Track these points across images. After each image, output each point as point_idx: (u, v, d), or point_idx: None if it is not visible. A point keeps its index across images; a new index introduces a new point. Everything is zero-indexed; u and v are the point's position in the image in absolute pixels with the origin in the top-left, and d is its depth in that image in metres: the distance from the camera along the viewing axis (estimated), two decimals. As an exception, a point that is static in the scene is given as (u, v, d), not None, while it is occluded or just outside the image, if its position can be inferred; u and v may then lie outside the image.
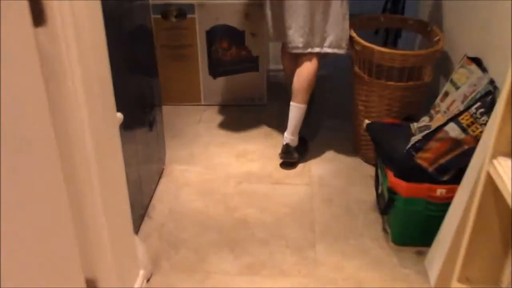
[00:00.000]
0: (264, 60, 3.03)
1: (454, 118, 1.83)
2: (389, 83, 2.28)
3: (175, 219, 2.20)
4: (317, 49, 2.34)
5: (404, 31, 2.91)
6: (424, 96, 2.37)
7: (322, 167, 2.55)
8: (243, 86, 3.10)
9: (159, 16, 2.91)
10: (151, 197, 2.32)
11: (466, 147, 1.82)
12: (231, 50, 3.01)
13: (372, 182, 2.37)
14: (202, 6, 2.90)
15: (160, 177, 2.46)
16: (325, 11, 2.26)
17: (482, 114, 1.77)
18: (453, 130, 1.83)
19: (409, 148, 1.92)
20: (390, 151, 2.00)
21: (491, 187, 0.93)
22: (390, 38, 3.21)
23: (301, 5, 2.22)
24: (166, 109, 3.03)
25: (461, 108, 1.93)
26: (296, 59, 2.45)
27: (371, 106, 2.39)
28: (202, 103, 3.14)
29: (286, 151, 2.51)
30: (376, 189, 2.25)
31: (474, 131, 1.79)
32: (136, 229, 2.10)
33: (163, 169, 2.52)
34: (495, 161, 0.91)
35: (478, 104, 1.78)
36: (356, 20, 2.50)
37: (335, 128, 2.89)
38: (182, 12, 2.91)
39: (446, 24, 2.45)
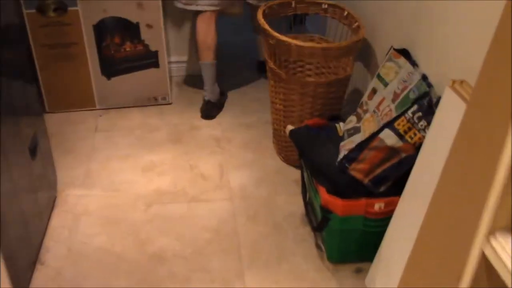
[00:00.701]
0: (164, 55, 2.66)
1: (389, 124, 1.62)
2: (310, 79, 2.03)
3: (75, 263, 1.83)
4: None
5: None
6: (346, 91, 2.16)
7: (242, 175, 2.28)
8: (143, 85, 2.73)
9: (34, 10, 2.45)
10: (43, 237, 1.93)
11: (403, 155, 1.62)
12: (125, 46, 2.62)
13: (298, 189, 2.14)
14: (86, -4, 2.47)
15: (52, 209, 2.06)
16: None
17: (419, 118, 1.57)
18: (389, 137, 1.62)
19: (342, 159, 1.70)
20: (320, 163, 1.76)
21: (486, 269, 0.71)
22: (297, 20, 2.96)
23: None
24: (54, 118, 2.62)
25: (392, 107, 1.72)
26: (207, 19, 2.53)
27: (291, 105, 2.14)
28: (97, 107, 2.73)
29: (207, 108, 2.69)
30: (304, 197, 2.01)
31: (412, 138, 1.59)
32: (26, 283, 1.72)
33: (55, 197, 2.12)
34: (492, 239, 0.68)
35: (415, 107, 1.57)
36: (265, 8, 2.21)
37: (252, 125, 2.62)
38: (62, 5, 2.46)
39: (364, 9, 2.23)
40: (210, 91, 2.68)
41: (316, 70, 2.10)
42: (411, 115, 1.58)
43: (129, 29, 2.57)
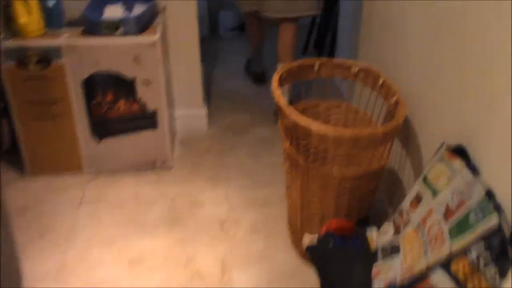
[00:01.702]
0: (164, 114, 2.27)
1: (444, 265, 1.18)
2: (334, 171, 1.61)
3: None
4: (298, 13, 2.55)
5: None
6: (379, 184, 1.73)
7: (249, 275, 1.86)
8: (139, 148, 2.34)
9: (14, 63, 2.09)
10: None
11: (461, 304, 1.19)
12: (119, 104, 2.24)
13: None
14: (73, 49, 2.10)
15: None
16: None
17: (487, 262, 1.13)
18: (443, 281, 1.18)
19: (376, 301, 1.27)
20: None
21: None
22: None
23: None
24: (34, 184, 2.26)
25: (445, 229, 1.29)
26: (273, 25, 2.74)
27: (310, 196, 1.72)
28: (86, 171, 2.36)
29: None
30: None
31: (474, 286, 1.16)
32: None
33: (18, 301, 1.73)
34: None
35: (481, 246, 1.14)
36: (283, 72, 1.81)
37: (264, 202, 2.21)
38: (45, 57, 2.10)
39: (406, 78, 1.81)
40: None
41: (342, 159, 1.69)
42: (475, 257, 1.14)
43: (124, 86, 2.19)
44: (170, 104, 2.45)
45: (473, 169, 1.31)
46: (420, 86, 1.68)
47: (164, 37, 2.29)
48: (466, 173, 1.31)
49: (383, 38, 2.05)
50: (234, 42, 3.91)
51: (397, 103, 1.68)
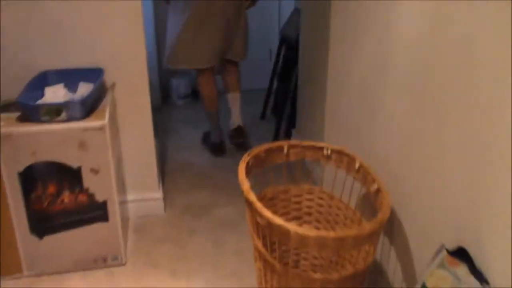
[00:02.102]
0: (115, 205, 2.03)
1: None
2: (315, 276, 1.41)
3: None
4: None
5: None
6: (364, 282, 1.54)
7: None
8: (87, 244, 2.07)
9: None
10: None
11: None
12: (63, 196, 1.98)
13: None
14: (8, 138, 1.85)
15: None
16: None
17: None
18: None
19: None
20: None
21: None
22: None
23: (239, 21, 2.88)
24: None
25: None
26: (222, 69, 3.07)
27: (288, 304, 1.50)
28: (26, 274, 2.05)
29: (239, 133, 3.10)
30: None
31: None
32: None
33: None
34: None
35: None
36: (249, 159, 1.63)
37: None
38: (-26, 149, 1.83)
39: (384, 159, 1.65)
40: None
41: (325, 261, 1.49)
42: None
43: (68, 176, 1.94)
44: (121, 189, 2.21)
45: (480, 277, 1.14)
46: (403, 169, 1.53)
47: (113, 118, 2.08)
48: (472, 281, 1.14)
49: (355, 110, 1.91)
50: (188, 110, 3.73)
51: (378, 191, 1.51)
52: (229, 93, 3.09)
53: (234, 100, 3.08)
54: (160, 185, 2.48)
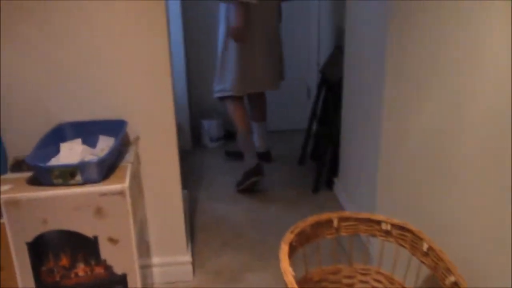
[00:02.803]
0: (136, 278, 1.77)
1: None
2: None
3: None
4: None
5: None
6: None
7: None
8: (105, 322, 1.81)
9: None
10: None
11: None
12: (78, 269, 1.73)
13: None
14: (16, 205, 1.62)
15: None
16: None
17: None
18: None
19: None
20: None
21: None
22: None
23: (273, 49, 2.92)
24: None
25: None
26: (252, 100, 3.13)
27: None
28: None
29: (268, 156, 3.26)
30: None
31: None
32: None
33: None
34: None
35: None
36: (293, 238, 1.34)
37: None
38: (-22, 217, 1.61)
39: (452, 235, 1.35)
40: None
41: None
42: None
43: (83, 246, 1.70)
44: (146, 255, 1.96)
45: None
46: (485, 253, 1.22)
47: (136, 177, 1.84)
48: None
49: (418, 170, 1.60)
50: (220, 154, 3.48)
51: (455, 285, 1.20)
52: (257, 122, 3.15)
53: (262, 128, 3.16)
54: (189, 245, 2.22)
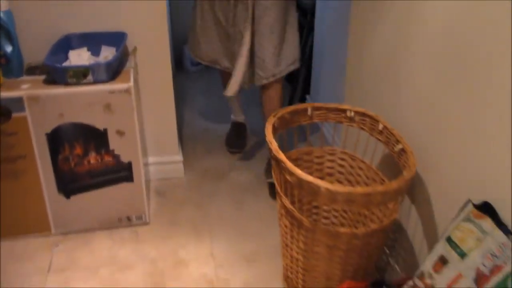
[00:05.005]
0: (140, 166, 2.08)
1: None
2: (342, 230, 1.46)
3: None
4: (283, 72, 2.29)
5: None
6: (387, 239, 1.60)
7: None
8: (112, 204, 2.13)
9: (-32, 117, 1.86)
10: None
11: None
12: (90, 157, 2.03)
13: None
14: (36, 100, 1.89)
15: None
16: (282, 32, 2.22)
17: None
18: None
19: None
20: None
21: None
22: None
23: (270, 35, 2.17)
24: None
25: (479, 296, 1.16)
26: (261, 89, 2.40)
27: (314, 259, 1.56)
28: (54, 232, 2.12)
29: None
30: None
31: None
32: None
33: None
34: None
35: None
36: (275, 120, 1.67)
37: (254, 258, 2.03)
38: (5, 110, 1.88)
39: (407, 122, 1.69)
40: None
41: (351, 217, 1.55)
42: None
43: (94, 137, 1.99)
44: (144, 152, 2.26)
45: (506, 230, 1.19)
46: (425, 132, 1.57)
47: (136, 82, 2.11)
48: (497, 233, 1.19)
49: (378, 78, 1.93)
50: (201, 77, 3.75)
51: (402, 151, 1.56)
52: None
53: None
54: (180, 147, 2.53)
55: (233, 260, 2.01)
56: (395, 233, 1.81)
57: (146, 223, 2.19)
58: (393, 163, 1.63)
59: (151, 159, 2.43)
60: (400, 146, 1.57)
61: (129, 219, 2.17)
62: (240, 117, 2.84)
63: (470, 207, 1.27)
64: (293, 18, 2.26)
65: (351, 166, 1.84)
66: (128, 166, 2.07)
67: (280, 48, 2.22)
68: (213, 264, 1.99)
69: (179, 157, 2.49)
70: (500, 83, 1.19)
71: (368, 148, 1.77)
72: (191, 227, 2.19)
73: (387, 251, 1.85)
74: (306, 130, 1.83)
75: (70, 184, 2.05)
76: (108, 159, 2.04)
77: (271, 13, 2.13)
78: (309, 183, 1.38)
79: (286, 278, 1.81)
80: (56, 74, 1.92)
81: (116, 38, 2.12)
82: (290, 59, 2.28)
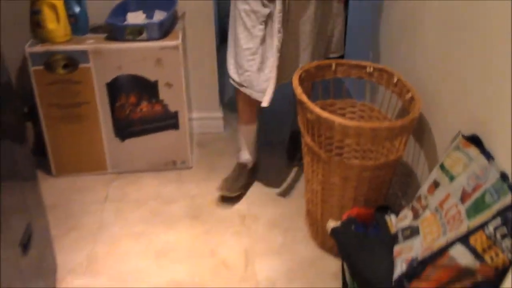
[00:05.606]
0: (185, 115, 2.37)
1: (462, 239, 1.28)
2: (354, 162, 1.71)
3: None
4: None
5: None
6: (394, 175, 1.83)
7: (271, 265, 1.95)
8: (160, 148, 2.44)
9: (42, 67, 2.19)
10: None
11: (480, 278, 1.28)
12: (142, 106, 2.34)
13: (338, 284, 1.81)
14: (99, 53, 2.20)
15: (48, 306, 1.76)
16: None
17: (503, 235, 1.23)
18: (462, 255, 1.28)
19: (401, 277, 1.36)
20: (370, 276, 1.43)
21: None
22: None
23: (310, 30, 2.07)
24: (60, 184, 2.35)
25: (462, 209, 1.39)
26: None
27: (330, 189, 1.82)
28: (109, 171, 2.45)
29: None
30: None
31: (492, 259, 1.25)
32: None
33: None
34: None
35: (498, 221, 1.24)
36: (302, 72, 1.92)
37: (282, 199, 2.30)
38: (72, 61, 2.20)
39: (419, 76, 1.91)
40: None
41: (362, 151, 1.79)
42: (492, 230, 1.24)
43: (146, 88, 2.30)
44: (189, 105, 2.55)
45: (488, 156, 1.41)
46: (434, 83, 1.79)
47: (184, 42, 2.40)
48: (481, 159, 1.41)
49: (397, 37, 2.15)
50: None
51: (412, 99, 1.78)
52: None
53: None
54: (220, 106, 2.81)
55: (263, 200, 2.29)
56: (407, 177, 2.04)
57: (189, 167, 2.49)
58: (405, 112, 1.86)
59: (194, 115, 2.73)
60: (410, 95, 1.79)
61: (174, 163, 2.48)
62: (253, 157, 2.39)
63: (460, 138, 1.49)
64: None
65: (370, 117, 2.07)
66: (175, 115, 2.37)
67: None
68: (245, 201, 2.27)
69: (219, 114, 2.77)
70: (496, 34, 1.41)
71: (384, 101, 2.00)
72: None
73: (399, 194, 2.08)
74: (330, 84, 2.07)
75: (125, 129, 2.37)
76: (157, 108, 2.34)
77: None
78: (325, 119, 1.63)
79: (308, 213, 2.07)
80: (116, 31, 2.23)
81: (168, 4, 2.41)
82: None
